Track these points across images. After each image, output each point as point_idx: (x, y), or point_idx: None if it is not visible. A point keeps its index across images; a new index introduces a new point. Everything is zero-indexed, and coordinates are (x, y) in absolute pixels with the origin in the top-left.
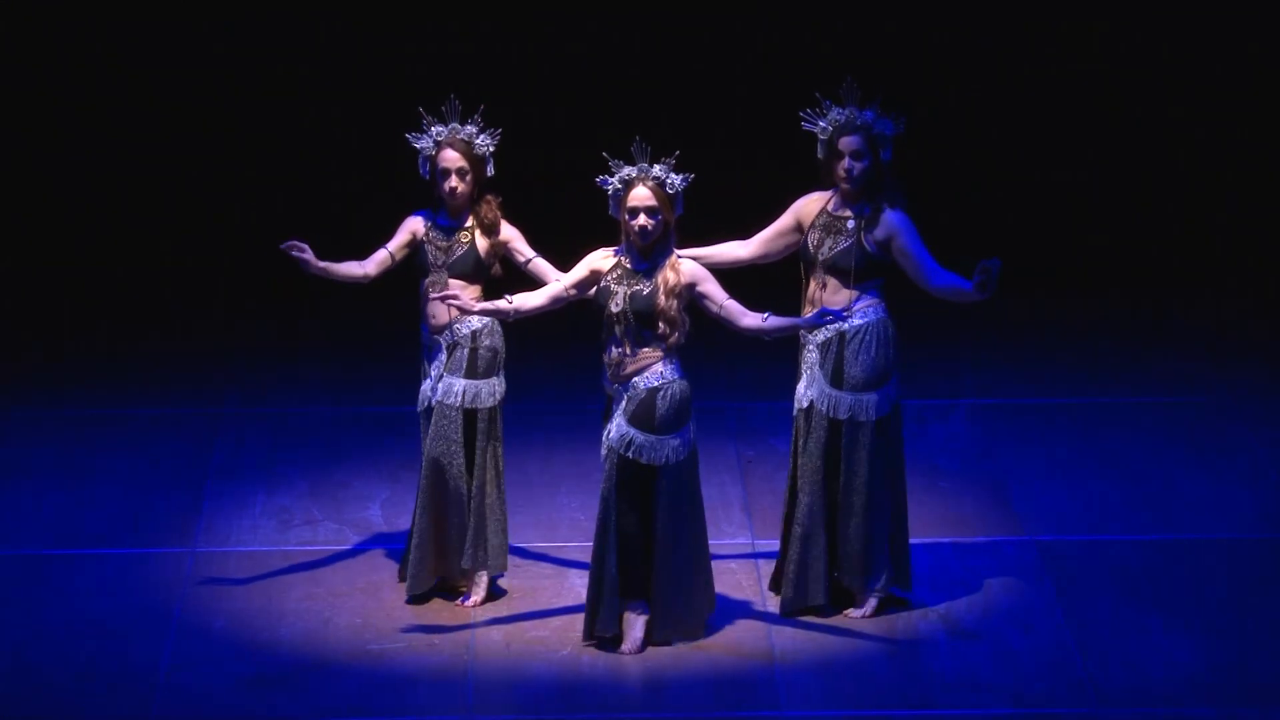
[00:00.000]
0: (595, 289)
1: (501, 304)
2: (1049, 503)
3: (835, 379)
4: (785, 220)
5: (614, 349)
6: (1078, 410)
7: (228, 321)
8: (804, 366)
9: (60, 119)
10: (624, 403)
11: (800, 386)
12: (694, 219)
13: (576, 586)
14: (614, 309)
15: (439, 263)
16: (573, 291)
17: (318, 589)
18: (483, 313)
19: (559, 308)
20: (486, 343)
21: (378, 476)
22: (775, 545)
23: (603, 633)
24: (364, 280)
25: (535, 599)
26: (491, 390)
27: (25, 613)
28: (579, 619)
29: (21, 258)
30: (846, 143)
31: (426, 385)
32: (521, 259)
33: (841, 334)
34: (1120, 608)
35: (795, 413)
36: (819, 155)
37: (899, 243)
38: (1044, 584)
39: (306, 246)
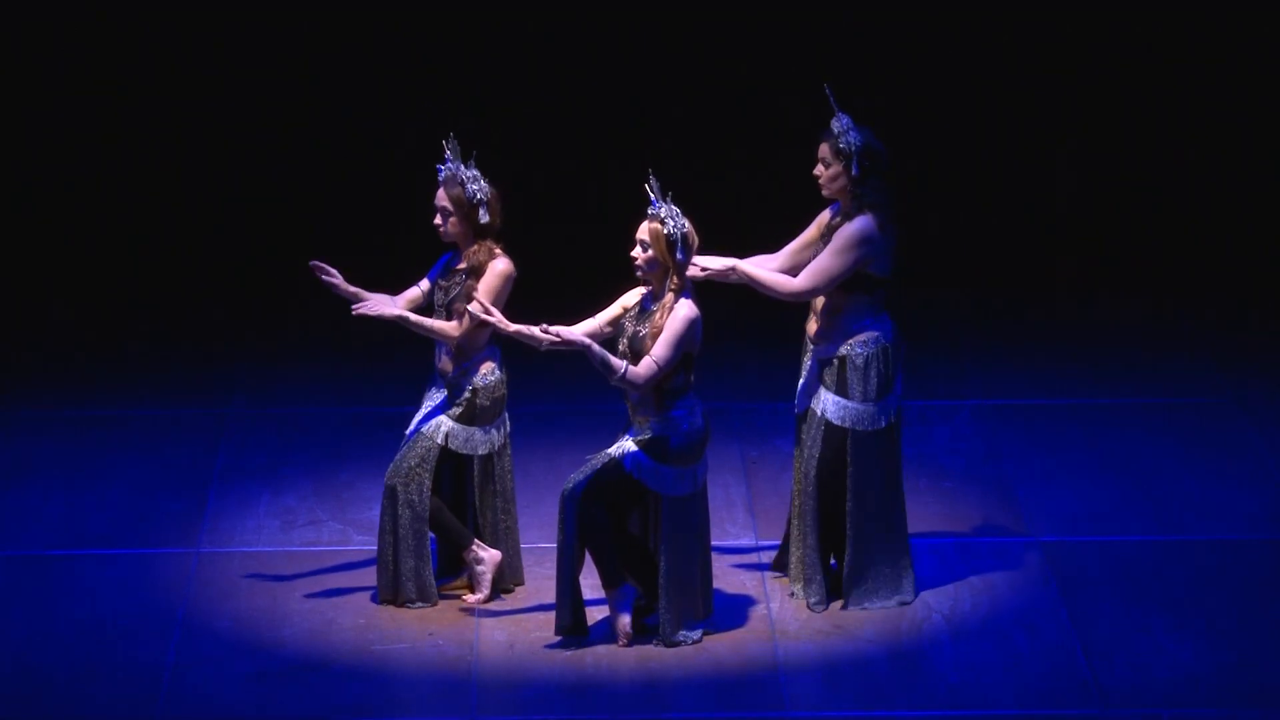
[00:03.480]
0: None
1: (536, 331)
2: (1053, 504)
3: (840, 390)
4: (810, 231)
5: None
6: (1083, 411)
7: (233, 322)
8: (805, 370)
9: (65, 119)
10: (635, 431)
11: (800, 389)
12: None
13: (582, 587)
14: (620, 348)
15: (440, 303)
16: (608, 329)
17: (322, 589)
18: (516, 335)
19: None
20: (485, 401)
21: (381, 477)
22: (779, 546)
23: (564, 621)
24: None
25: (539, 599)
26: (486, 438)
27: (30, 613)
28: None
29: (27, 258)
30: (820, 149)
31: (417, 414)
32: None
33: (842, 358)
34: (1125, 609)
35: (796, 414)
36: None
37: (832, 243)
38: (1048, 585)
39: (334, 271)
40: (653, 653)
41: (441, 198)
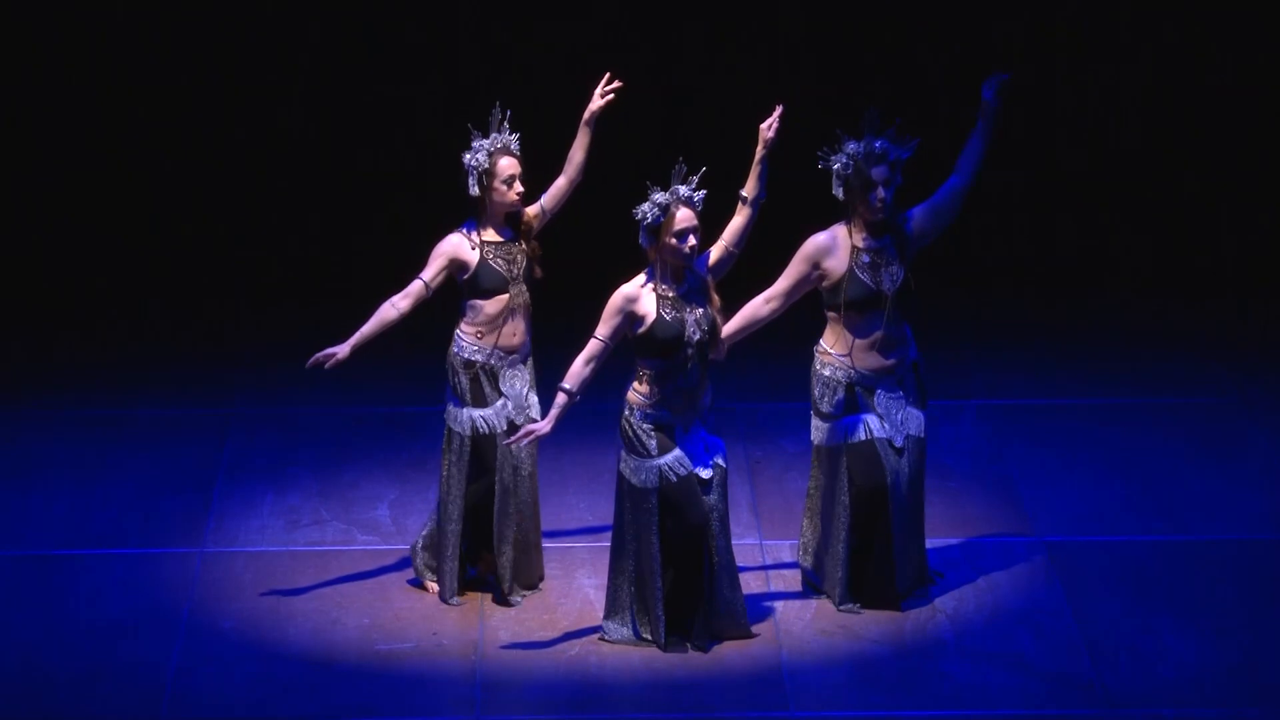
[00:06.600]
0: (647, 326)
1: (563, 399)
2: (1058, 503)
3: (920, 401)
4: (803, 270)
5: (686, 380)
6: (1087, 411)
7: (238, 321)
8: (877, 403)
9: (69, 117)
10: (697, 430)
11: (876, 423)
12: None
13: (585, 587)
14: (693, 338)
15: (513, 275)
16: (612, 345)
17: (326, 589)
18: (557, 420)
19: None
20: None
21: (386, 477)
22: (783, 546)
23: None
24: (399, 321)
25: (543, 599)
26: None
27: (35, 613)
28: (587, 619)
29: (32, 257)
30: (880, 173)
31: (500, 407)
32: (545, 208)
33: (914, 363)
34: (1130, 609)
35: (864, 439)
36: (837, 191)
37: (925, 219)
38: (1053, 585)
39: (329, 351)
40: (656, 653)
41: (516, 164)
